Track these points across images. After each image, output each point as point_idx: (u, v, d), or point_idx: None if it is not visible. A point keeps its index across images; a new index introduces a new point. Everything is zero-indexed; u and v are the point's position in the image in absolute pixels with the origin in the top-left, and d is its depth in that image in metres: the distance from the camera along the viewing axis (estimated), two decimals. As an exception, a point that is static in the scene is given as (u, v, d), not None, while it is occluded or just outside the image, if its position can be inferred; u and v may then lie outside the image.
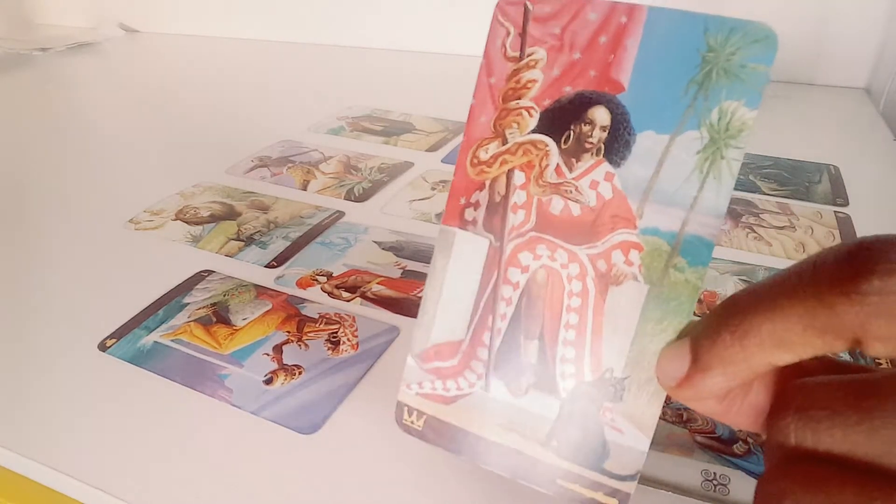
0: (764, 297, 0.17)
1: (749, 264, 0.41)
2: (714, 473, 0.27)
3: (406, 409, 0.24)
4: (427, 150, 0.61)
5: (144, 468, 0.28)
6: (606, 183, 0.21)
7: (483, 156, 0.22)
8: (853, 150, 0.59)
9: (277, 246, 0.45)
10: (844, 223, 0.46)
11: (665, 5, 0.20)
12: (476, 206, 0.22)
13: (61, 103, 0.83)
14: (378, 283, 0.40)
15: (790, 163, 0.56)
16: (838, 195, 0.50)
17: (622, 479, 0.21)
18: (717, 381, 0.18)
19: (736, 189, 0.51)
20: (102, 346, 0.35)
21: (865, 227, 0.45)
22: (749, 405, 0.18)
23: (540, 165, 0.21)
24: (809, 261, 0.16)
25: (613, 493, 0.21)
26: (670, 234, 0.20)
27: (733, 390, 0.18)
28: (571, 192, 0.21)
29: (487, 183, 0.22)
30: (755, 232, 0.45)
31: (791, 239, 0.44)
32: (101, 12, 1.16)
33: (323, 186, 0.54)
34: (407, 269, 0.41)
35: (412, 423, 0.24)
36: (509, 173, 0.22)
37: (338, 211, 0.49)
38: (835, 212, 0.47)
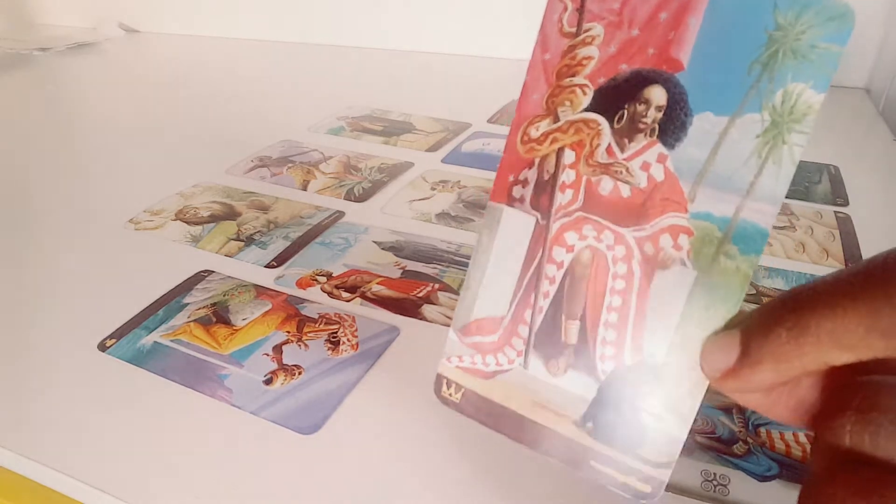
0: (825, 294, 0.16)
1: (749, 264, 0.41)
2: (714, 473, 0.27)
3: (445, 381, 0.24)
4: (427, 150, 0.61)
5: (144, 468, 0.28)
6: (659, 165, 0.20)
7: (533, 133, 0.22)
8: (853, 150, 0.59)
9: (277, 246, 0.45)
10: (844, 223, 0.46)
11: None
12: (524, 183, 0.22)
13: (61, 103, 0.83)
14: (378, 283, 0.40)
15: (790, 163, 0.56)
16: (838, 195, 0.50)
17: (657, 465, 0.20)
18: (765, 377, 0.17)
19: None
20: (102, 346, 0.35)
21: (865, 227, 0.45)
22: (796, 400, 0.18)
23: (591, 145, 0.21)
24: (879, 258, 0.15)
25: (647, 479, 0.20)
26: (723, 219, 0.19)
27: (781, 385, 0.17)
28: (622, 172, 0.20)
29: (537, 161, 0.22)
30: (755, 232, 0.45)
31: (791, 239, 0.44)
32: (101, 12, 1.16)
33: (323, 186, 0.54)
34: (407, 269, 0.41)
35: (450, 395, 0.24)
36: (559, 152, 0.21)
37: (338, 211, 0.49)
38: (835, 212, 0.47)
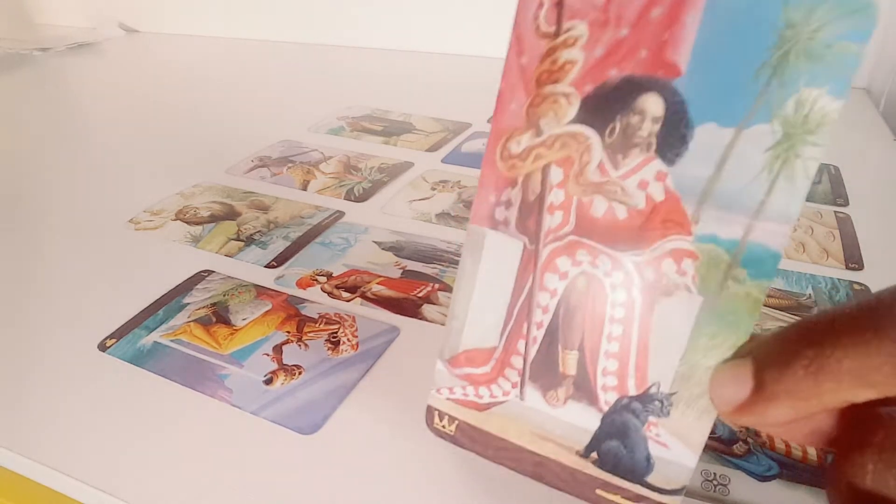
0: (846, 328, 0.15)
1: (749, 264, 0.41)
2: (714, 473, 0.27)
3: (437, 413, 0.23)
4: (427, 150, 0.61)
5: (144, 468, 0.28)
6: (658, 183, 0.18)
7: (514, 149, 0.19)
8: (853, 150, 0.59)
9: (277, 246, 0.45)
10: (844, 223, 0.46)
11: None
12: (507, 204, 0.20)
13: (61, 103, 0.83)
14: (378, 283, 0.40)
15: (790, 163, 0.56)
16: (838, 195, 0.50)
17: (666, 493, 0.19)
18: (781, 413, 0.16)
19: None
20: (102, 346, 0.35)
21: (865, 227, 0.45)
22: (812, 428, 0.17)
23: (580, 161, 0.19)
24: None
25: None
26: (731, 242, 0.17)
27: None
28: (617, 192, 0.18)
29: (520, 179, 0.20)
30: (755, 232, 0.45)
31: (791, 239, 0.44)
32: (101, 12, 1.16)
33: (323, 186, 0.54)
34: (407, 269, 0.41)
35: (443, 427, 0.23)
36: (545, 169, 0.19)
37: (338, 211, 0.49)
38: (835, 212, 0.47)
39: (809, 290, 0.38)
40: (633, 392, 0.19)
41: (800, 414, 0.16)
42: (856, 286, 0.39)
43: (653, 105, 0.18)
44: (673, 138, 0.18)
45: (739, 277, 0.17)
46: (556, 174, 0.19)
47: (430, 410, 0.23)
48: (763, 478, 0.26)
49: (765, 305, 0.37)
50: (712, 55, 0.17)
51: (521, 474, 0.22)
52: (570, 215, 0.19)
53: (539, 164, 0.19)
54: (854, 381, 0.14)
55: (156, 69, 0.97)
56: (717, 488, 0.26)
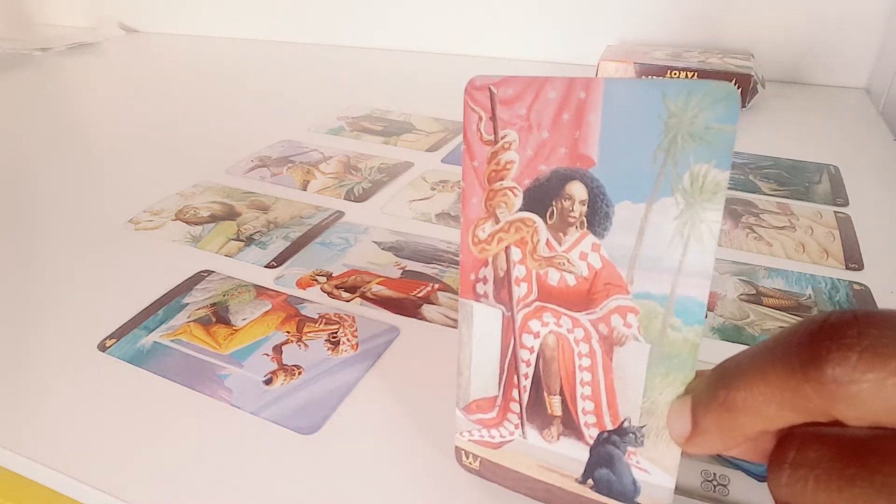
0: (743, 372, 0.17)
1: (749, 264, 0.41)
2: (714, 473, 0.27)
3: (463, 452, 0.26)
4: (427, 150, 0.61)
5: (144, 468, 0.28)
6: (594, 253, 0.21)
7: (481, 235, 0.23)
8: (853, 150, 0.59)
9: (277, 246, 0.45)
10: (844, 223, 0.46)
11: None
12: (485, 281, 0.24)
13: (61, 103, 0.83)
14: (378, 284, 0.40)
15: (790, 163, 0.56)
16: (838, 195, 0.50)
17: None
18: (716, 443, 0.19)
19: (736, 189, 0.51)
20: (102, 347, 0.35)
21: (865, 227, 0.45)
22: (760, 449, 0.18)
23: (532, 241, 0.22)
24: (781, 338, 0.16)
25: None
26: (662, 296, 0.20)
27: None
28: (564, 264, 0.22)
29: (490, 259, 0.23)
30: (755, 232, 0.45)
31: (791, 239, 0.44)
32: (101, 12, 1.16)
33: (323, 186, 0.54)
34: (407, 269, 0.41)
35: (470, 463, 0.26)
36: (507, 250, 0.23)
37: (338, 211, 0.49)
38: (835, 212, 0.47)
39: (809, 291, 0.38)
40: (610, 427, 0.22)
41: (731, 443, 0.18)
42: (856, 286, 0.39)
43: (578, 191, 0.21)
44: (598, 216, 0.21)
45: (676, 325, 0.20)
46: (516, 253, 0.23)
47: (457, 450, 0.27)
48: (763, 478, 0.26)
49: (766, 306, 0.37)
50: (616, 145, 0.20)
51: (537, 501, 0.25)
52: (533, 285, 0.23)
53: (502, 246, 0.23)
54: (756, 416, 0.17)
55: (156, 69, 0.97)
56: (717, 488, 0.26)
